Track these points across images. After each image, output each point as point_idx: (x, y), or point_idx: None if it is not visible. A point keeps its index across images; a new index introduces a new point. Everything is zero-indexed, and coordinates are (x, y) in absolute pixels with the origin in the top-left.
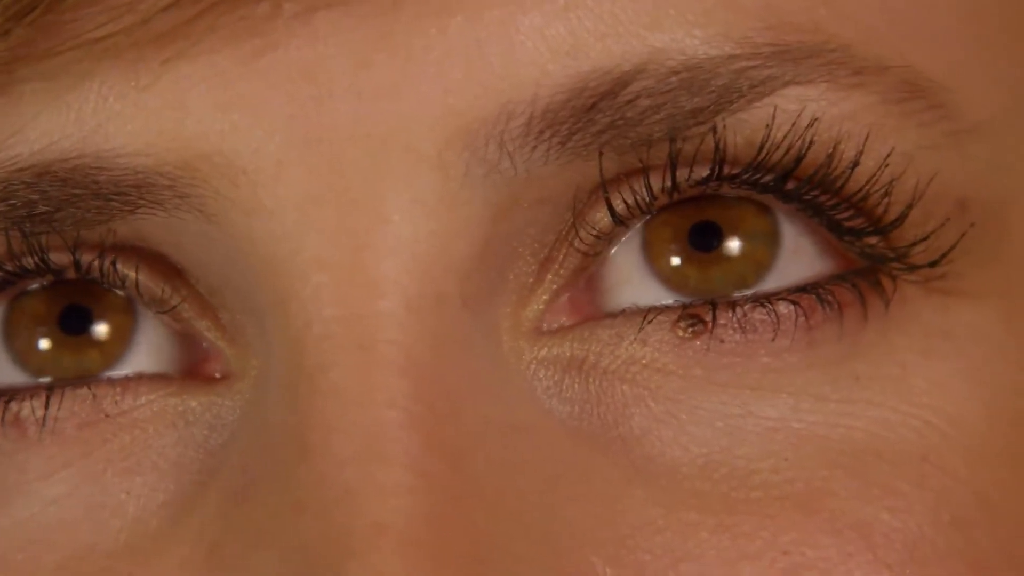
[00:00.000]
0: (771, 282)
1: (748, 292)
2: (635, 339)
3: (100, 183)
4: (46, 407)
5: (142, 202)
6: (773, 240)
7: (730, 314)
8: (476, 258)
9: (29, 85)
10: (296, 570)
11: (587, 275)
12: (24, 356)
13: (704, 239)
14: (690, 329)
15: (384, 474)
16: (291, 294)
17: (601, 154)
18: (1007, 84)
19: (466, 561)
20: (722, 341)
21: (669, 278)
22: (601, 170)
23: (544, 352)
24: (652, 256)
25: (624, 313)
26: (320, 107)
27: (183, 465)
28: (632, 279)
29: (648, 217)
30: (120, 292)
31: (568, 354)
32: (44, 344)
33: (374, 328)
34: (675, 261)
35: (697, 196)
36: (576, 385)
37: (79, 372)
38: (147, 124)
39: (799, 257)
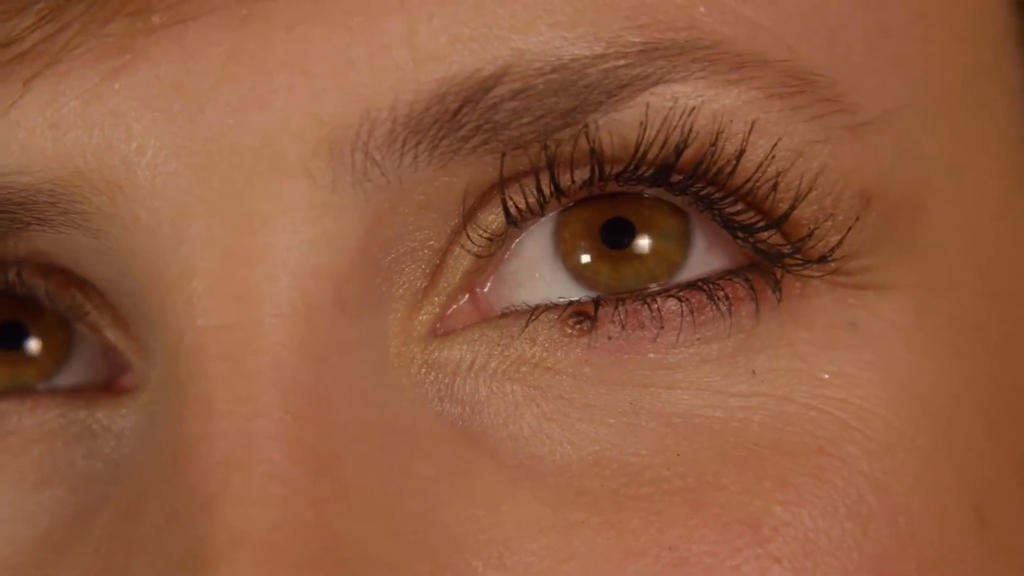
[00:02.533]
0: (683, 280)
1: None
2: (523, 338)
3: None
4: None
5: (29, 219)
6: (684, 239)
7: (613, 311)
8: (353, 265)
9: None
10: None
11: (486, 277)
12: None
13: (616, 236)
14: (577, 326)
15: (244, 483)
16: (167, 305)
17: (479, 158)
18: (918, 72)
19: (329, 568)
20: (609, 338)
21: (581, 274)
22: (469, 176)
23: (436, 355)
24: (564, 252)
25: (513, 313)
26: (191, 121)
27: (92, 477)
28: (544, 275)
29: (542, 218)
30: (45, 302)
31: (458, 356)
32: None
33: (243, 338)
34: (585, 258)
35: (611, 193)
36: (467, 387)
37: (14, 386)
38: (27, 143)
39: (711, 256)
